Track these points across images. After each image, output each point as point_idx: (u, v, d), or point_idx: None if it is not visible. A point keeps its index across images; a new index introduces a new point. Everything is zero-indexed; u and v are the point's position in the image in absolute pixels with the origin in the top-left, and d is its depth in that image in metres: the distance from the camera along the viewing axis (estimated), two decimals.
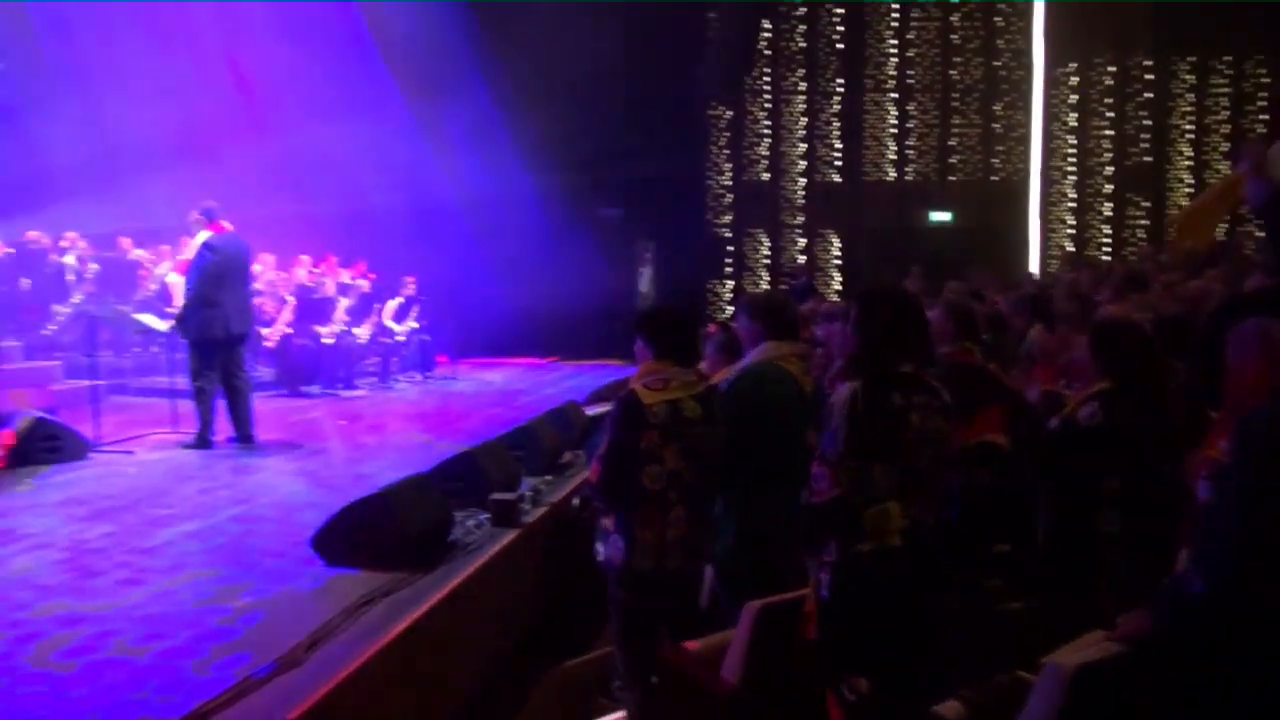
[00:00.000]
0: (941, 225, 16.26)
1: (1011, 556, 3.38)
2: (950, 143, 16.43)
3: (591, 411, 7.48)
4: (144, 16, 13.54)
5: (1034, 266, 15.79)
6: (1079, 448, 3.12)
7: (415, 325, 12.26)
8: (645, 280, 15.63)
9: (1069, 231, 16.52)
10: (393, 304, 12.19)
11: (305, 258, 12.32)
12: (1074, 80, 16.36)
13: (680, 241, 15.33)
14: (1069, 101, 16.40)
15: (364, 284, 12.25)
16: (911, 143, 16.47)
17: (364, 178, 14.27)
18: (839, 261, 16.67)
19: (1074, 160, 16.43)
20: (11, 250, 11.30)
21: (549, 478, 5.76)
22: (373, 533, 4.23)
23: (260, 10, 14.18)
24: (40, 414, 6.89)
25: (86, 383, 7.93)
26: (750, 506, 3.45)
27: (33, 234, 11.52)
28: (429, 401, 10.22)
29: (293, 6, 14.18)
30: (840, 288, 16.35)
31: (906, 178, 16.50)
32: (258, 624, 3.54)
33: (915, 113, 16.48)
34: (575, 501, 5.42)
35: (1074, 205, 16.49)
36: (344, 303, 11.27)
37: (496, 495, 4.89)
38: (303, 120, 14.26)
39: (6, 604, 3.73)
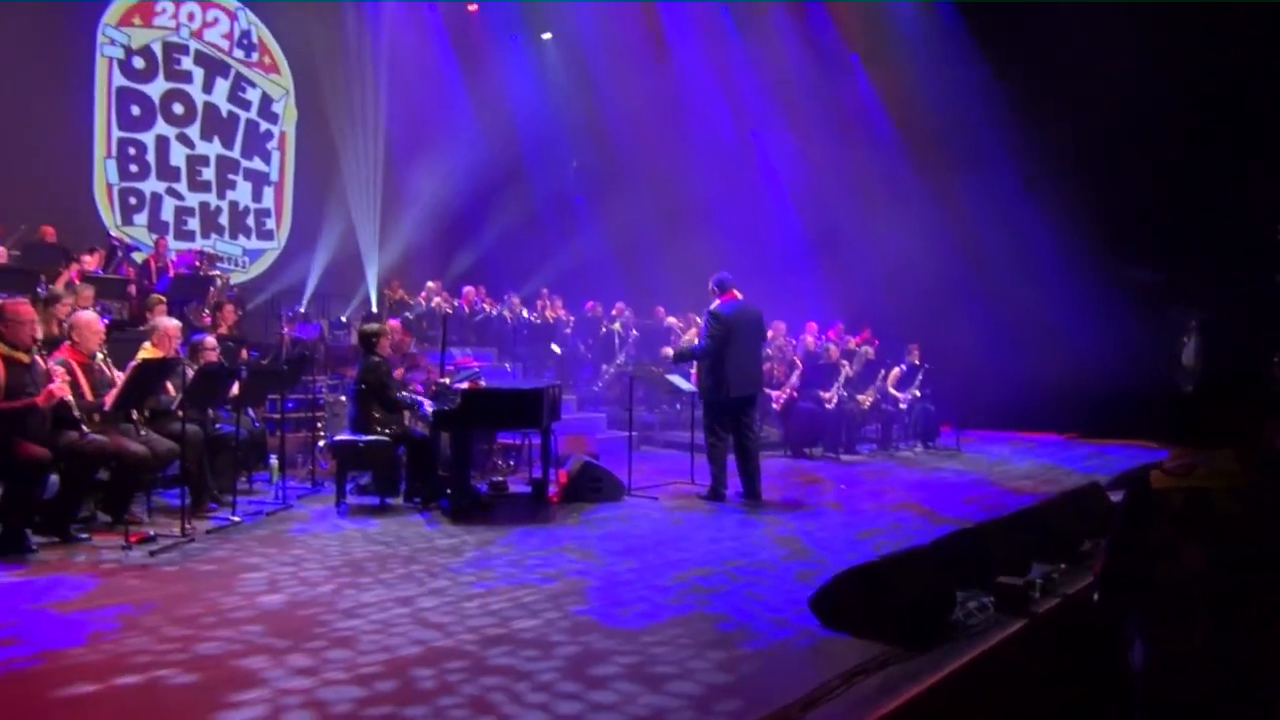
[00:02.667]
0: None
1: None
2: None
3: (1116, 497, 6.61)
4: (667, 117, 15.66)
5: None
6: None
7: (918, 394, 12.07)
8: (1190, 351, 13.54)
9: None
10: (896, 371, 12.19)
11: (812, 324, 12.90)
12: None
13: (1242, 305, 12.99)
14: None
15: (868, 351, 12.40)
16: None
17: (872, 249, 14.52)
18: None
19: None
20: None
21: (1063, 566, 5.17)
22: (869, 601, 4.17)
23: (777, 94, 15.42)
24: (588, 459, 8.05)
25: (624, 434, 9.07)
26: None
27: (590, 304, 13.64)
28: (930, 472, 9.90)
29: (813, 98, 15.19)
30: None
31: None
32: (754, 674, 3.65)
33: None
34: (1095, 596, 4.79)
35: None
36: (847, 369, 11.49)
37: (1003, 579, 4.54)
38: (816, 202, 15.08)
39: (548, 625, 4.31)
